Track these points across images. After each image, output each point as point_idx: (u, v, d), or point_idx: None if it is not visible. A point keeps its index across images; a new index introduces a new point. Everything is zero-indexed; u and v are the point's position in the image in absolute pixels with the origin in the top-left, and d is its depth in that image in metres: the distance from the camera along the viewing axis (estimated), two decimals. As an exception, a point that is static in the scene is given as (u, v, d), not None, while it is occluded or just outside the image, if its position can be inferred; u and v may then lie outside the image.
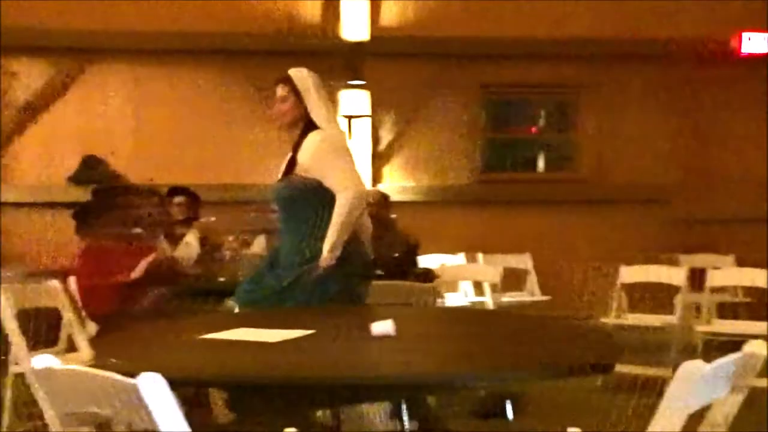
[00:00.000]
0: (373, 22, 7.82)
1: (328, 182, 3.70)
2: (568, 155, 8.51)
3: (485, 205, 7.97)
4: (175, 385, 1.66)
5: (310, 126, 3.82)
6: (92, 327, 4.71)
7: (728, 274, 6.07)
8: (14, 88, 7.67)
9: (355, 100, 7.67)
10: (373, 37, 7.75)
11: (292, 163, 3.85)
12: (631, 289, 5.97)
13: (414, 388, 2.28)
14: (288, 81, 3.87)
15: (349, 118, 7.67)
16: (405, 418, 2.95)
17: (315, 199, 3.73)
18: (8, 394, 4.17)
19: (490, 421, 4.71)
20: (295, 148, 3.86)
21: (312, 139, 3.77)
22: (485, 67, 8.00)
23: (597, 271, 7.12)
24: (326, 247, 3.66)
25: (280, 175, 3.90)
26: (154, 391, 1.62)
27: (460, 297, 6.70)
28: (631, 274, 5.87)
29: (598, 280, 6.81)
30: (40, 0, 7.47)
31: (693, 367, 1.63)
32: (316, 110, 3.83)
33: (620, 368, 4.75)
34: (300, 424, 2.19)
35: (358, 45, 7.65)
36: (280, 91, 3.89)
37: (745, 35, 8.04)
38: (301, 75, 3.88)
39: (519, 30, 7.86)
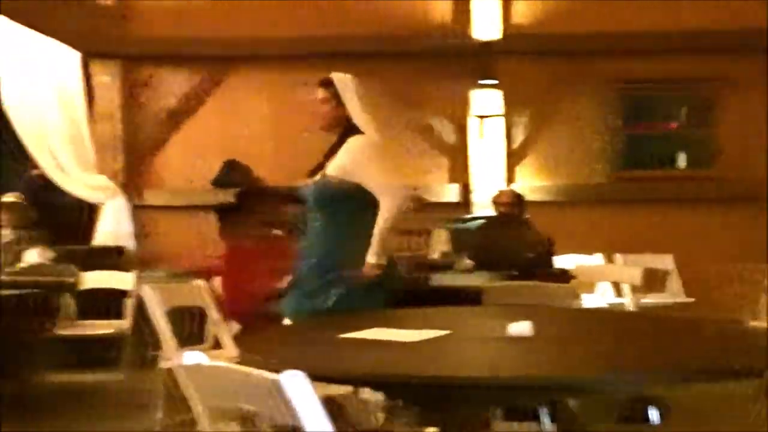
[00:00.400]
0: (505, 20, 7.75)
1: (371, 186, 3.67)
2: (710, 152, 8.16)
3: (623, 204, 7.76)
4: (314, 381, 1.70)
5: (349, 130, 3.80)
6: (235, 326, 4.87)
7: None
8: (159, 96, 8.04)
9: (487, 99, 7.63)
10: (504, 35, 7.68)
11: (322, 165, 3.81)
12: (782, 291, 5.67)
13: (552, 390, 2.24)
14: (329, 84, 3.87)
15: (481, 117, 7.64)
16: (545, 420, 2.91)
17: (352, 203, 3.70)
18: (160, 389, 4.36)
19: (634, 425, 4.58)
20: (332, 151, 3.83)
21: (355, 142, 3.75)
22: (622, 62, 7.79)
23: (744, 272, 6.81)
24: (372, 255, 3.61)
25: (312, 177, 3.84)
26: (298, 388, 1.66)
27: (597, 298, 6.55)
28: (781, 274, 5.57)
29: (745, 282, 6.51)
30: (182, 2, 7.81)
31: None
32: (358, 114, 3.81)
33: (771, 374, 4.53)
34: (439, 424, 2.20)
35: (490, 44, 7.60)
36: (321, 93, 3.89)
37: None
38: (343, 79, 3.87)
39: (657, 23, 7.61)
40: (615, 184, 7.90)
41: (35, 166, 7.73)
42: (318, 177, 3.81)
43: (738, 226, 7.69)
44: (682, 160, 8.29)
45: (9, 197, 6.15)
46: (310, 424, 1.67)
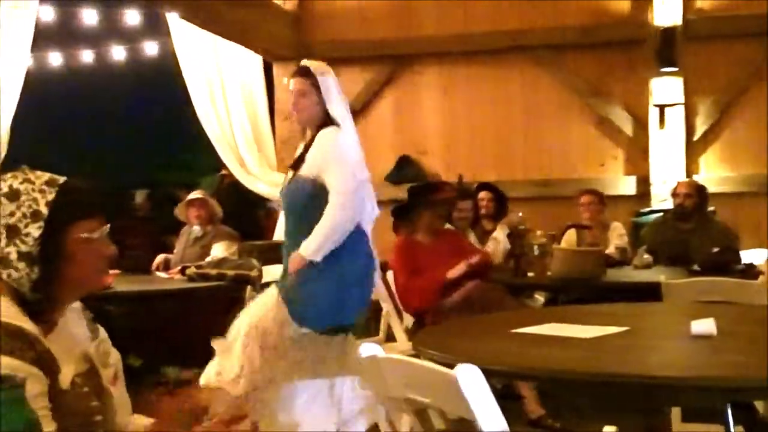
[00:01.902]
0: (687, 4, 7.41)
1: (328, 183, 3.50)
2: None
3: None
4: (486, 376, 1.69)
5: (326, 124, 3.61)
6: (408, 319, 4.94)
7: None
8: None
9: (668, 87, 7.33)
10: (686, 20, 7.34)
11: (300, 160, 3.65)
12: None
13: (736, 391, 2.13)
14: (308, 74, 3.63)
15: (662, 107, 7.35)
16: (730, 422, 2.78)
17: (323, 202, 3.53)
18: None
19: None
20: (308, 146, 3.66)
21: (326, 135, 3.57)
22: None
23: None
24: (305, 246, 3.46)
25: (288, 174, 3.72)
26: (472, 382, 1.66)
27: (789, 296, 6.16)
28: None
29: None
30: (356, 5, 8.00)
31: None
32: (336, 108, 3.62)
33: None
34: (618, 423, 2.15)
35: (671, 30, 7.29)
36: (299, 84, 3.64)
37: None
38: (322, 70, 3.66)
39: None
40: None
41: (223, 165, 8.15)
42: (290, 178, 3.69)
43: None
44: None
45: (196, 194, 6.50)
46: (485, 419, 1.66)
